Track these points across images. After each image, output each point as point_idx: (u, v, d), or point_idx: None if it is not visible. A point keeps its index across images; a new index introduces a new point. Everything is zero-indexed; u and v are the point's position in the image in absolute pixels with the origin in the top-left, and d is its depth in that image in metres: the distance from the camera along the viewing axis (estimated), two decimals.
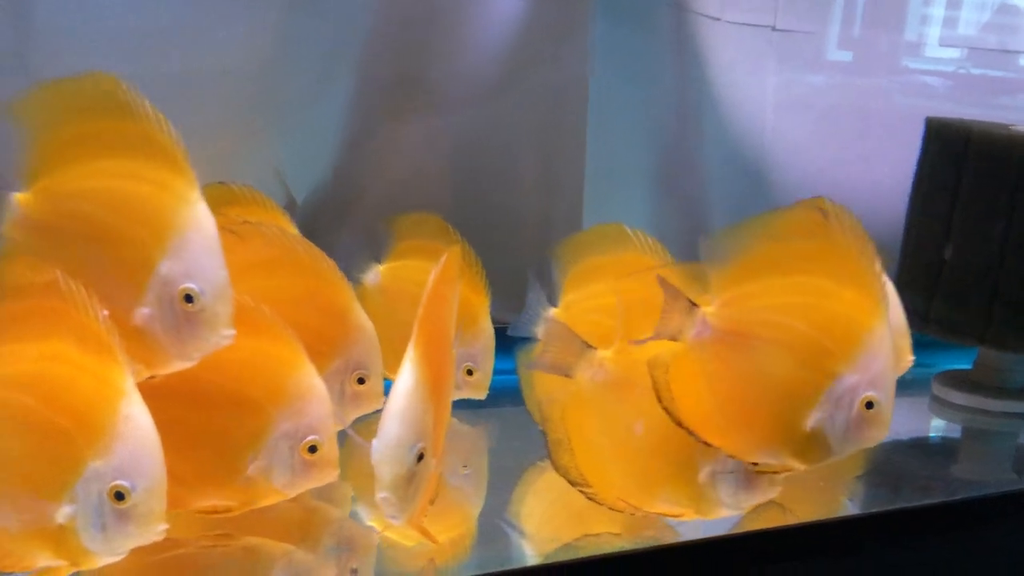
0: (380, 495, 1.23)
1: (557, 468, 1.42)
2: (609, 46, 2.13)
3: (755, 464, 1.36)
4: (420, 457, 1.24)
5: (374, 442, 1.23)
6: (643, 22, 2.20)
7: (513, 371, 1.66)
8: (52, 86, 1.23)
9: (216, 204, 1.57)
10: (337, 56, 2.02)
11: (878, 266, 1.31)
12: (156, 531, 1.13)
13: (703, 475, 1.37)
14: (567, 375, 1.43)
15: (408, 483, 1.23)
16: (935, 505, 1.56)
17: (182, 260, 1.20)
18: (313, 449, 1.31)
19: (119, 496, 1.12)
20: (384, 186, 2.07)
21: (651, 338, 1.36)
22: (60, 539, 1.13)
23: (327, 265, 1.44)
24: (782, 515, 1.45)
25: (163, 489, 1.13)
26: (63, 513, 1.12)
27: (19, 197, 1.24)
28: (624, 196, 2.24)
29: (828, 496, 1.56)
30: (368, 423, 1.44)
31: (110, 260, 1.21)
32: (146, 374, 1.22)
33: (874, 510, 1.56)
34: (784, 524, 1.44)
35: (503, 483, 1.60)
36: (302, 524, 1.41)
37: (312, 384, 1.32)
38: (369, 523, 1.44)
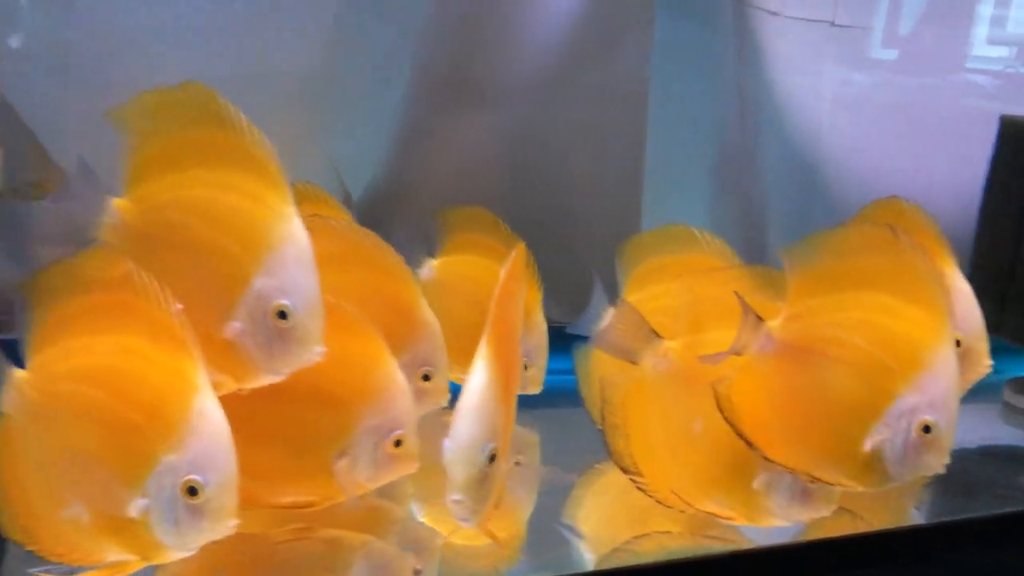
0: (452, 497, 1.22)
1: (611, 453, 1.41)
2: (671, 42, 2.12)
3: (813, 478, 1.34)
4: (492, 458, 1.23)
5: (445, 442, 1.21)
6: (705, 17, 2.19)
7: (566, 372, 1.65)
8: (151, 94, 1.24)
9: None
10: (393, 52, 2.02)
11: (946, 285, 1.30)
12: (227, 526, 1.13)
13: (758, 482, 1.36)
14: (631, 360, 1.42)
15: (480, 485, 1.22)
16: (1008, 515, 1.53)
17: (277, 276, 1.20)
18: (398, 443, 1.31)
19: (192, 491, 1.12)
20: (438, 182, 2.06)
21: (725, 355, 1.34)
22: (132, 533, 1.13)
23: (394, 260, 1.43)
24: (852, 522, 1.43)
25: (235, 484, 1.13)
26: (136, 507, 1.12)
27: (117, 202, 1.24)
28: (682, 194, 2.23)
29: (896, 504, 1.53)
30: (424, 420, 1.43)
31: (203, 272, 1.21)
32: (233, 387, 1.22)
33: (945, 519, 1.54)
34: (855, 532, 1.42)
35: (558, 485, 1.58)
36: (365, 523, 1.41)
37: (396, 379, 1.32)
38: (432, 525, 1.43)
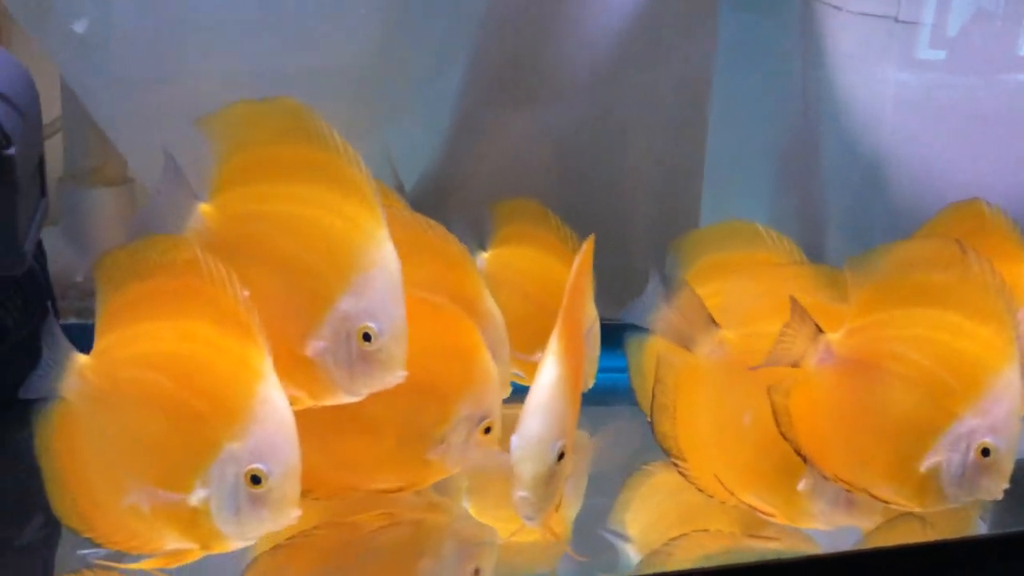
0: (519, 494, 1.20)
1: (656, 434, 1.40)
2: (735, 36, 2.08)
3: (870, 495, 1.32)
4: (561, 455, 1.21)
5: (514, 438, 1.20)
6: (770, 11, 2.15)
7: (618, 370, 1.62)
8: (244, 105, 1.23)
9: None
10: (449, 42, 2.00)
11: (1013, 304, 1.27)
12: (290, 516, 1.12)
13: (803, 484, 1.34)
14: (686, 346, 1.40)
15: (548, 483, 1.20)
16: None
17: (364, 298, 1.20)
18: (487, 430, 1.33)
19: (255, 480, 1.10)
20: (490, 176, 2.04)
21: (769, 362, 1.32)
22: (192, 522, 1.12)
23: (458, 250, 1.42)
24: (923, 530, 1.40)
25: (298, 473, 1.12)
26: (197, 496, 1.11)
27: (204, 207, 1.24)
28: (742, 192, 2.18)
29: (963, 513, 1.47)
30: None
31: (289, 287, 1.21)
32: (308, 403, 1.22)
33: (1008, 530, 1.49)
34: (924, 541, 1.38)
35: (607, 484, 1.56)
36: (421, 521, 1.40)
37: (490, 369, 1.34)
38: (488, 524, 1.42)
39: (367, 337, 1.20)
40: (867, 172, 2.14)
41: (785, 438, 1.31)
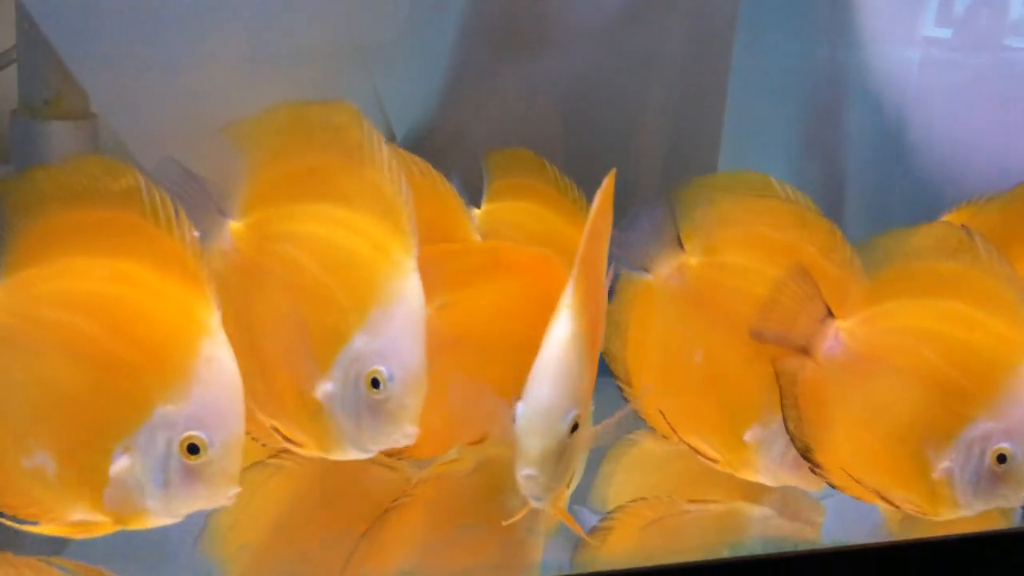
0: (524, 472, 1.07)
1: (604, 353, 1.32)
2: None
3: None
4: (574, 427, 1.07)
5: (519, 406, 1.06)
6: None
7: None
8: (280, 110, 1.14)
9: None
10: None
11: None
12: (227, 495, 1.00)
13: (751, 434, 1.29)
14: (644, 268, 1.34)
15: (558, 459, 1.07)
16: None
17: (379, 336, 1.09)
18: None
19: (192, 449, 0.98)
20: (489, 128, 1.95)
21: (776, 340, 1.24)
22: (108, 492, 1.00)
23: (445, 189, 1.30)
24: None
25: (241, 446, 1.01)
26: (119, 464, 0.98)
27: (233, 226, 1.14)
28: (761, 152, 2.11)
29: None
30: None
31: (306, 319, 1.11)
32: (316, 453, 1.12)
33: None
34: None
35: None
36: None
37: None
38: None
39: (375, 383, 1.08)
40: (889, 135, 2.11)
41: (792, 436, 1.24)
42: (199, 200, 1.11)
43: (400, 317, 1.08)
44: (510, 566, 1.19)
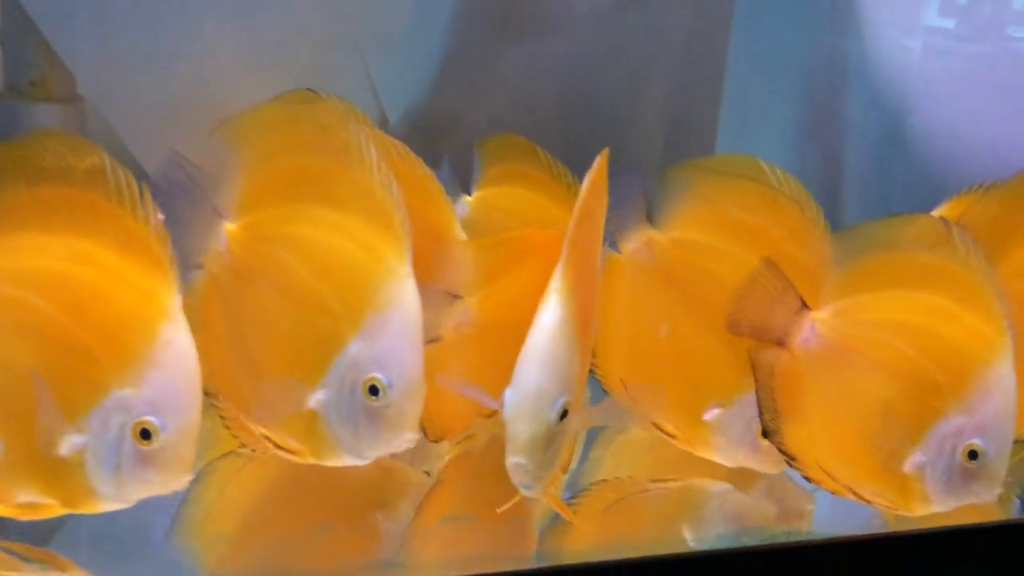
0: (512, 460, 1.04)
1: None
2: None
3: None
4: (564, 414, 1.05)
5: (507, 393, 1.04)
6: None
7: None
8: (271, 107, 1.13)
9: None
10: None
11: (1002, 290, 1.20)
12: (181, 481, 0.99)
13: (710, 413, 1.28)
14: (615, 242, 1.32)
15: (547, 446, 1.05)
16: None
17: (376, 343, 1.06)
18: None
19: (145, 435, 0.96)
20: (485, 113, 1.93)
21: (752, 332, 1.22)
22: (58, 474, 0.98)
23: (423, 174, 1.26)
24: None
25: (196, 432, 0.99)
26: (70, 443, 0.96)
27: (230, 229, 1.11)
28: (759, 138, 2.10)
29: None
30: None
31: (299, 324, 1.08)
32: (310, 460, 1.10)
33: None
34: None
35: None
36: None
37: None
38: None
39: (374, 391, 1.06)
40: (891, 122, 2.10)
41: (767, 429, 1.22)
42: (198, 199, 1.09)
43: (397, 323, 1.05)
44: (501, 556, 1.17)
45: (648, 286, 1.30)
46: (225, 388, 1.10)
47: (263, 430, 1.10)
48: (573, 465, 1.30)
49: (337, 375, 1.05)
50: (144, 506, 1.03)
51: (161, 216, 0.99)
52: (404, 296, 1.05)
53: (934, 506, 1.20)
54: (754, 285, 1.22)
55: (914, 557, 1.26)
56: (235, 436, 1.11)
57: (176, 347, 0.97)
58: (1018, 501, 1.37)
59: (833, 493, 1.22)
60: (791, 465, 1.22)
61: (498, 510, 1.13)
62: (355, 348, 1.05)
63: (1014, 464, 1.28)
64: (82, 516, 1.01)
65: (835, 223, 1.31)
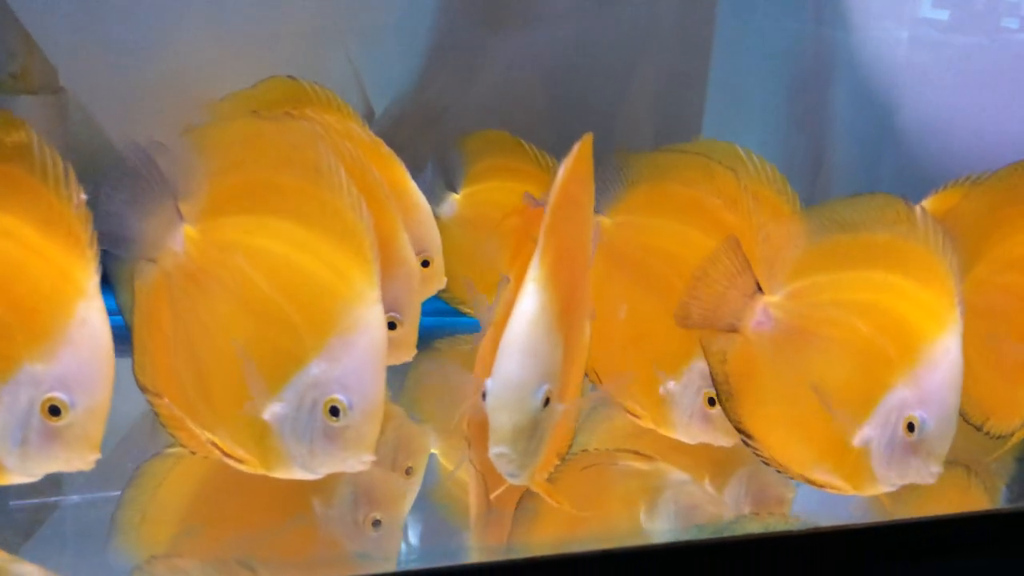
0: (495, 449, 1.03)
1: None
2: None
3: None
4: (546, 402, 1.03)
5: (488, 383, 1.02)
6: None
7: None
8: (246, 122, 1.13)
9: (284, 100, 1.45)
10: None
11: (958, 267, 1.18)
12: (87, 460, 0.98)
13: (664, 388, 1.29)
14: None
15: (531, 434, 1.03)
16: None
17: (339, 365, 1.05)
18: None
19: (53, 411, 0.96)
20: (472, 103, 1.92)
21: (705, 324, 1.22)
22: None
23: (373, 179, 1.24)
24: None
25: (105, 413, 0.98)
26: None
27: (188, 231, 1.10)
28: (746, 130, 2.07)
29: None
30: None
31: (258, 336, 1.07)
32: (259, 470, 1.09)
33: None
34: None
35: None
36: None
37: None
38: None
39: (334, 411, 1.05)
40: (877, 111, 2.09)
41: (726, 412, 1.22)
42: (161, 193, 1.09)
43: (362, 346, 1.04)
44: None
45: (601, 270, 1.28)
46: (168, 388, 1.10)
47: (210, 436, 1.09)
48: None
49: (296, 392, 1.04)
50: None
51: (84, 196, 0.99)
52: (371, 320, 1.05)
53: (880, 484, 1.18)
54: (706, 273, 1.20)
55: (891, 548, 1.22)
56: (173, 436, 1.10)
57: (90, 327, 0.97)
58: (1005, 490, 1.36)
59: (789, 476, 1.21)
60: (747, 445, 1.21)
61: (491, 496, 1.13)
62: (317, 368, 1.04)
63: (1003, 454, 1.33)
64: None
65: None
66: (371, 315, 1.04)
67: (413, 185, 1.39)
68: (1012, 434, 1.35)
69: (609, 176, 1.31)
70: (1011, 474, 1.39)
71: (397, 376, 1.46)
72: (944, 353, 1.15)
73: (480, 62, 1.91)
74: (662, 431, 1.31)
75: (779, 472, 1.21)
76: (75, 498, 1.13)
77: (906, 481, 1.18)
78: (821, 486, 1.20)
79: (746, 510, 1.27)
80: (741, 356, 1.21)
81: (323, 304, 1.04)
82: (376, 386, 1.04)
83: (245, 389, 1.04)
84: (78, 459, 0.97)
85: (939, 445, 1.16)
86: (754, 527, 1.23)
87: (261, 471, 1.08)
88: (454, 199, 1.61)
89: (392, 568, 1.08)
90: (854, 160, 2.06)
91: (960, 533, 1.25)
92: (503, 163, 1.58)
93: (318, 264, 1.06)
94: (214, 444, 1.08)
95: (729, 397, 1.21)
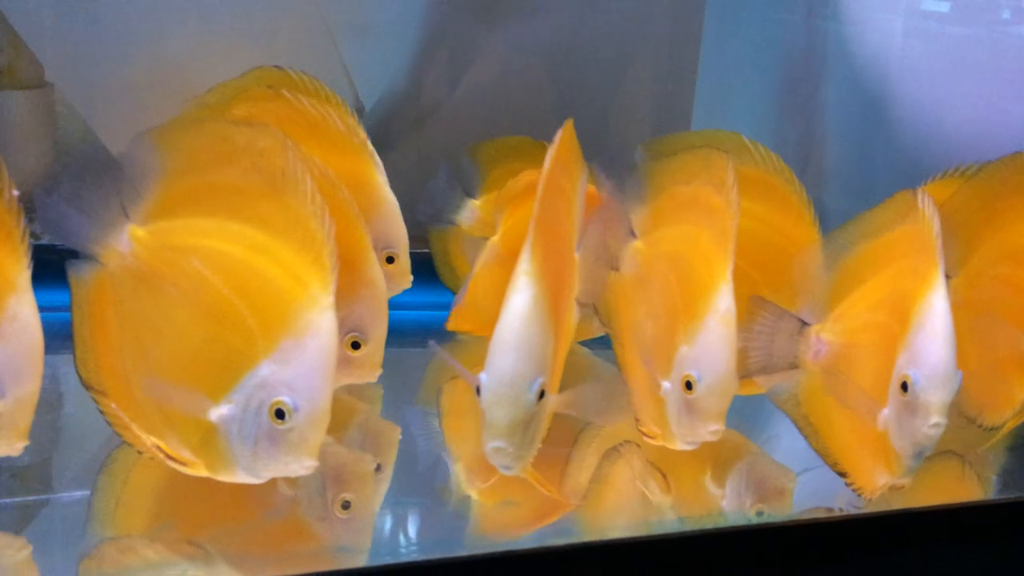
0: (492, 444, 1.03)
1: None
2: None
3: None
4: (541, 395, 1.03)
5: (482, 377, 1.02)
6: None
7: None
8: (204, 125, 1.11)
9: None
10: None
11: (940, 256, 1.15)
12: (14, 447, 1.00)
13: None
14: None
15: (526, 428, 1.04)
16: None
17: (288, 368, 1.04)
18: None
19: None
20: (464, 97, 1.91)
21: (762, 371, 1.23)
22: None
23: (343, 198, 1.22)
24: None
25: (32, 405, 1.00)
26: None
27: (134, 231, 1.09)
28: (736, 116, 2.08)
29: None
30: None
31: (208, 337, 1.06)
32: (201, 473, 1.08)
33: None
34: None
35: None
36: None
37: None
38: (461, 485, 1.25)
39: (280, 414, 1.03)
40: (872, 103, 2.08)
41: (820, 453, 1.24)
42: (105, 190, 1.08)
43: (312, 350, 1.03)
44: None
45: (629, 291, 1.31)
46: (114, 387, 1.09)
47: (155, 439, 1.09)
48: None
49: (244, 393, 1.04)
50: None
51: (16, 192, 0.99)
52: (323, 325, 1.03)
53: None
54: (752, 327, 1.23)
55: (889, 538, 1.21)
56: (119, 435, 1.10)
57: (20, 321, 0.98)
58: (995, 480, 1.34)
59: (868, 493, 1.21)
60: (844, 482, 1.22)
61: (479, 486, 1.14)
62: (266, 369, 1.03)
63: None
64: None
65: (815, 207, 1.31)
66: (323, 320, 1.03)
67: (381, 179, 1.38)
68: (1003, 425, 1.34)
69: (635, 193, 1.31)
70: (1002, 464, 1.38)
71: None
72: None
73: (470, 57, 1.91)
74: (671, 445, 1.27)
75: (858, 491, 1.20)
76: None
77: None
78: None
79: (748, 503, 1.25)
80: (809, 392, 1.23)
81: (277, 306, 1.04)
82: (323, 391, 1.03)
83: (198, 391, 1.04)
84: (6, 446, 0.99)
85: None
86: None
87: (205, 474, 1.07)
88: (474, 205, 1.59)
89: (380, 561, 1.06)
90: (847, 152, 2.05)
91: (956, 522, 1.24)
92: (521, 167, 1.54)
93: (275, 268, 1.05)
94: (159, 448, 1.08)
95: (815, 435, 1.22)
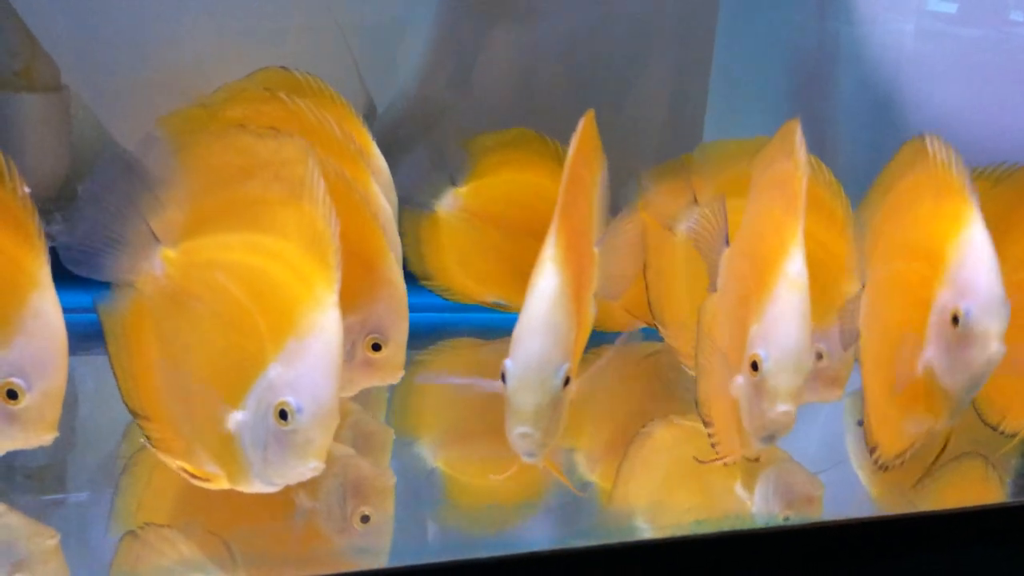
0: (518, 430, 1.03)
1: None
2: None
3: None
4: (567, 381, 1.03)
5: (508, 363, 1.03)
6: None
7: None
8: (231, 140, 1.10)
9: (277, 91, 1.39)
10: None
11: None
12: (43, 439, 1.01)
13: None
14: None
15: (552, 414, 1.04)
16: None
17: (292, 368, 1.03)
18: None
19: (11, 395, 1.00)
20: (476, 99, 1.91)
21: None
22: None
23: (359, 198, 1.21)
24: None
25: (60, 397, 1.01)
26: None
27: (166, 252, 1.10)
28: (748, 118, 2.07)
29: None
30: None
31: (227, 344, 1.06)
32: (223, 486, 1.08)
33: None
34: None
35: None
36: None
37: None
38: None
39: (283, 415, 1.02)
40: (882, 102, 2.08)
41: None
42: (136, 221, 1.08)
43: (316, 350, 1.03)
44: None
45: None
46: (155, 411, 1.09)
47: (180, 463, 1.08)
48: None
49: (256, 397, 1.03)
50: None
51: (27, 188, 1.00)
52: (326, 325, 1.03)
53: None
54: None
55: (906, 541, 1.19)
56: (164, 459, 1.09)
57: (44, 316, 1.00)
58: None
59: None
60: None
61: (495, 478, 1.12)
62: (274, 371, 1.03)
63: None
64: None
65: None
66: (326, 320, 1.02)
67: (375, 188, 1.33)
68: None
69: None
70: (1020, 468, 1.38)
71: None
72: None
73: (483, 56, 1.90)
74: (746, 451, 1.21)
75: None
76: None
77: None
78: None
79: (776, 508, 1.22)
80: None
81: (283, 307, 1.04)
82: (327, 391, 1.02)
83: (219, 400, 1.03)
84: (35, 438, 1.01)
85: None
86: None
87: (229, 486, 1.06)
88: (455, 193, 1.59)
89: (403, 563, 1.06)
90: (857, 153, 2.04)
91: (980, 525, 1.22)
92: (512, 156, 1.57)
93: (285, 270, 1.05)
94: (183, 470, 1.08)
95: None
